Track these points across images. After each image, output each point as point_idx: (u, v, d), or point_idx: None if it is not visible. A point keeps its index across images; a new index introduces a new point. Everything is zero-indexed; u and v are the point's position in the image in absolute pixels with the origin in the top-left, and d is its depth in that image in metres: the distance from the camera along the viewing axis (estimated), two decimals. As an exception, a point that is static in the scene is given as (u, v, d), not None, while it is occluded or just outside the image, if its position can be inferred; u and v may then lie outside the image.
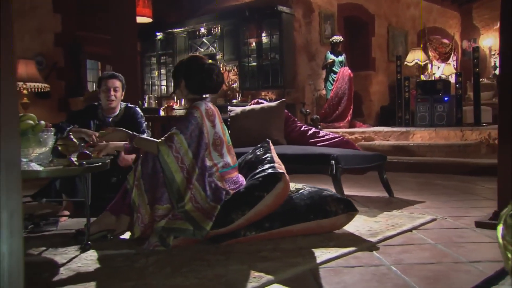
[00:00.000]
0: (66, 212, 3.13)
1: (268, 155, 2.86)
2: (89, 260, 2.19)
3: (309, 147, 3.99)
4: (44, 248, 2.41)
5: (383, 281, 1.84)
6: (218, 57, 8.95)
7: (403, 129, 7.31)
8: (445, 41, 12.86)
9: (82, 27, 6.74)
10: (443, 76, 11.20)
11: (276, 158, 2.84)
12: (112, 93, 3.37)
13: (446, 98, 7.47)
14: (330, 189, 2.88)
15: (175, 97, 2.97)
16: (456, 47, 13.36)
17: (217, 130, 2.57)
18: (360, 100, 9.56)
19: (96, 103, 3.55)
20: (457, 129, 6.84)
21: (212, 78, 2.62)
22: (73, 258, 2.23)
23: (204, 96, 2.68)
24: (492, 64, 12.99)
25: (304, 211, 2.54)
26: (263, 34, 8.32)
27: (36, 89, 5.85)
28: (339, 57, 8.11)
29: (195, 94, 2.66)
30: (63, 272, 2.02)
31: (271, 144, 3.01)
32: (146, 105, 9.10)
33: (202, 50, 9.11)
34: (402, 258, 2.13)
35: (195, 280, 1.87)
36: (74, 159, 2.43)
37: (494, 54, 13.02)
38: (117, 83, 3.41)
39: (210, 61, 2.80)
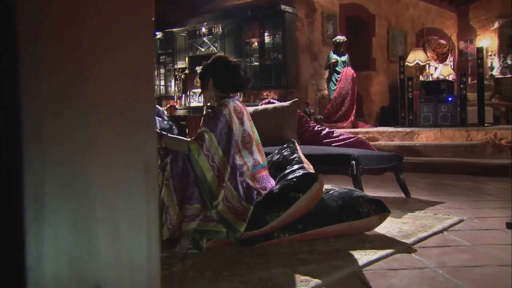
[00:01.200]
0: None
1: (295, 155, 2.81)
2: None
3: (326, 148, 3.96)
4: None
5: (434, 285, 1.80)
6: (219, 56, 8.86)
7: (408, 129, 7.30)
8: (443, 41, 12.92)
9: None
10: (441, 77, 11.24)
11: (303, 158, 2.80)
12: None
13: (450, 99, 7.48)
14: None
15: (203, 98, 2.93)
16: (453, 47, 13.42)
17: (246, 128, 2.52)
18: (360, 100, 9.54)
19: None
20: (462, 129, 6.84)
21: (239, 74, 2.58)
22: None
23: (232, 94, 2.63)
24: (489, 65, 13.06)
25: (336, 212, 2.49)
26: (266, 34, 8.26)
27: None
28: (342, 57, 8.09)
29: (223, 93, 2.60)
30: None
31: (297, 144, 2.97)
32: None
33: (203, 49, 9.03)
34: (444, 261, 2.09)
35: (240, 285, 1.81)
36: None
37: (490, 55, 13.10)
38: None
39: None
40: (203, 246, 2.29)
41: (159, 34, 9.49)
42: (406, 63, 9.42)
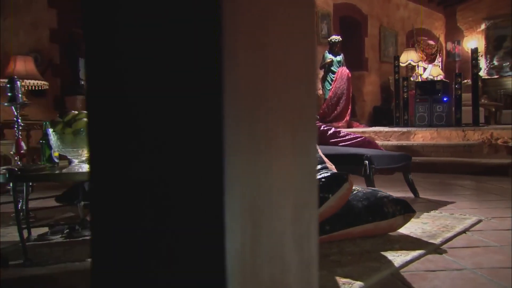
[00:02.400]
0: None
1: (317, 155, 2.77)
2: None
3: (338, 148, 3.93)
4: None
5: (479, 287, 1.77)
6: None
7: (404, 129, 7.33)
8: (431, 42, 13.05)
9: (79, 23, 6.49)
10: (431, 77, 11.35)
11: (325, 158, 2.76)
12: None
13: (445, 99, 7.54)
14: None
15: None
16: (441, 48, 13.57)
17: None
18: (353, 100, 9.55)
19: None
20: (459, 129, 6.90)
21: None
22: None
23: None
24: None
25: (362, 212, 2.46)
26: (261, 33, 8.22)
27: (31, 86, 5.60)
28: (337, 56, 8.09)
29: None
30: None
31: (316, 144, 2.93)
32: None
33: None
34: (480, 262, 2.07)
35: None
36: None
37: (478, 56, 13.27)
38: None
39: None
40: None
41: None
42: (402, 63, 9.50)
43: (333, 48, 8.07)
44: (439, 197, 3.92)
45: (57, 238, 2.61)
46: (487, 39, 13.28)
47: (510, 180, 5.01)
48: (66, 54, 6.50)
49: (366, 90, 10.00)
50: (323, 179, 2.38)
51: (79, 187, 3.07)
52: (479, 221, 2.89)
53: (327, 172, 2.45)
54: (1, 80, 5.08)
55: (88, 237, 2.61)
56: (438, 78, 10.94)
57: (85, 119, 2.14)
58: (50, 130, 2.13)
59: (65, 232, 2.65)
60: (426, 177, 5.37)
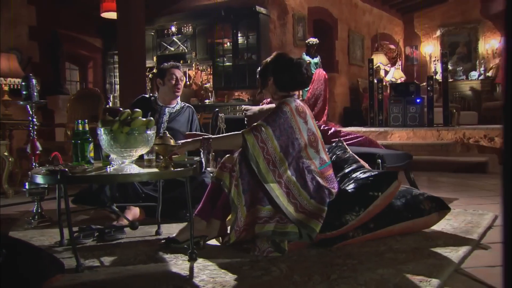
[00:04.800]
0: (124, 220, 2.84)
1: (349, 154, 2.81)
2: (214, 271, 2.00)
3: (350, 147, 3.97)
4: (141, 257, 2.17)
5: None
6: (188, 56, 8.70)
7: (381, 129, 7.55)
8: (392, 46, 13.52)
9: (59, 21, 6.20)
10: (393, 80, 11.74)
11: (357, 157, 2.80)
12: (180, 82, 3.26)
13: (418, 100, 7.81)
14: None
15: (263, 97, 2.81)
16: (401, 52, 14.08)
17: (310, 126, 2.46)
18: (326, 101, 9.73)
19: (146, 95, 3.47)
20: (433, 129, 7.19)
21: (302, 72, 2.52)
22: (193, 268, 2.03)
23: (291, 93, 2.57)
24: (433, 69, 13.79)
25: (402, 210, 2.51)
26: (239, 34, 8.20)
27: (12, 85, 5.32)
28: (315, 58, 8.19)
29: (283, 91, 2.54)
30: (206, 286, 1.83)
31: (343, 142, 2.97)
32: (110, 104, 8.61)
33: (172, 48, 8.80)
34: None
35: (362, 287, 1.77)
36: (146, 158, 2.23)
37: (434, 61, 13.82)
38: (181, 73, 3.31)
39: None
40: (285, 249, 2.22)
41: (123, 32, 9.11)
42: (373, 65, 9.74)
43: (310, 50, 8.17)
44: (439, 194, 4.02)
45: (90, 242, 2.49)
46: (442, 45, 13.87)
47: (491, 177, 5.28)
48: (47, 53, 6.21)
49: (337, 91, 10.20)
50: (371, 178, 2.41)
51: (102, 189, 2.95)
52: (496, 217, 3.02)
53: (370, 171, 2.49)
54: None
55: (117, 241, 2.51)
56: (401, 81, 11.35)
57: (141, 118, 2.06)
58: (102, 130, 2.03)
59: (95, 235, 2.54)
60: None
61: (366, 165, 2.70)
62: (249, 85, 8.16)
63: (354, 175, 2.56)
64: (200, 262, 2.12)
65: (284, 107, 2.41)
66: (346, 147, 2.89)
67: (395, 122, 7.90)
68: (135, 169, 2.07)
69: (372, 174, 2.44)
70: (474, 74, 12.57)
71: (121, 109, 2.24)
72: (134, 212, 2.93)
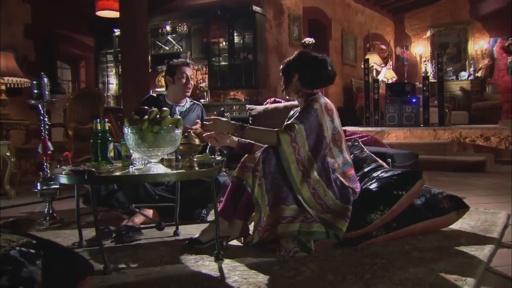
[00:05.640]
0: (137, 220, 2.80)
1: (366, 153, 2.81)
2: (245, 271, 1.98)
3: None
4: (166, 259, 2.14)
5: None
6: (183, 55, 8.63)
7: (378, 128, 7.59)
8: (383, 47, 13.60)
9: (53, 19, 6.08)
10: (385, 80, 11.82)
11: (375, 156, 2.80)
12: (190, 80, 3.21)
13: (414, 100, 7.87)
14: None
15: (286, 95, 2.77)
16: (392, 53, 14.18)
17: (336, 125, 2.44)
18: (320, 101, 9.74)
19: (154, 95, 3.42)
20: (430, 128, 7.25)
21: (327, 68, 2.50)
22: (222, 269, 2.00)
23: (316, 90, 2.55)
24: (423, 69, 13.91)
25: (422, 209, 2.52)
26: (235, 34, 8.17)
27: (12, 84, 5.22)
28: (311, 58, 8.20)
29: (308, 88, 2.51)
30: (241, 287, 1.80)
31: (360, 142, 2.96)
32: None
33: (167, 48, 8.72)
34: (551, 252, 2.19)
35: (397, 287, 1.76)
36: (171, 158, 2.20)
37: (425, 61, 13.96)
38: (191, 71, 3.25)
39: None
40: (312, 249, 2.21)
41: (117, 31, 9.01)
42: (362, 65, 9.79)
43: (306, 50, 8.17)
44: (445, 194, 4.07)
45: (108, 243, 2.44)
46: (432, 45, 13.99)
47: (490, 176, 5.34)
48: (43, 51, 6.09)
49: (331, 91, 10.22)
50: (394, 177, 2.41)
51: (113, 190, 2.90)
52: (509, 215, 3.04)
53: (392, 170, 2.49)
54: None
55: (136, 242, 2.47)
56: (393, 80, 11.44)
57: (170, 117, 2.03)
58: (129, 129, 1.99)
59: (113, 236, 2.49)
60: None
61: (384, 164, 2.70)
62: (245, 85, 8.12)
63: (375, 174, 2.56)
64: (227, 263, 2.09)
65: (315, 104, 2.38)
66: (363, 146, 2.89)
67: (391, 121, 7.94)
68: (161, 169, 2.04)
69: (396, 173, 2.44)
70: (464, 75, 12.70)
71: (146, 107, 2.18)
72: (147, 213, 2.89)
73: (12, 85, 5.20)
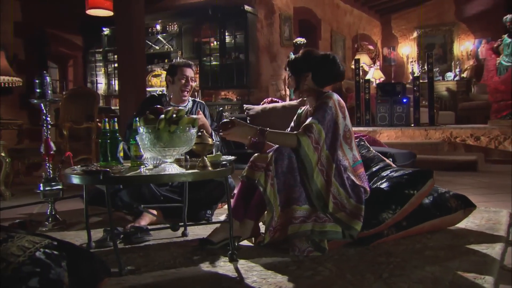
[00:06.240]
0: (143, 222, 2.76)
1: (373, 153, 2.82)
2: (262, 271, 1.97)
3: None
4: (178, 260, 2.11)
5: None
6: (173, 55, 8.59)
7: (370, 128, 7.63)
8: (371, 47, 13.71)
9: (42, 18, 5.96)
10: (373, 80, 11.91)
11: (381, 156, 2.81)
12: (190, 82, 3.17)
13: (404, 100, 7.93)
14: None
15: (298, 96, 2.73)
16: (379, 53, 14.30)
17: (347, 122, 2.44)
18: (310, 101, 9.77)
19: (155, 94, 3.37)
20: (421, 128, 7.32)
21: (339, 66, 2.50)
22: (239, 269, 1.99)
23: (326, 88, 2.54)
24: (410, 70, 14.06)
25: (430, 208, 2.53)
26: (226, 33, 8.15)
27: (2, 83, 5.11)
28: (302, 58, 8.22)
29: (320, 87, 2.51)
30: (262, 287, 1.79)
31: (365, 141, 2.97)
32: (94, 104, 8.40)
33: (157, 47, 8.67)
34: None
35: (418, 285, 1.77)
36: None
37: (411, 61, 14.10)
38: (192, 73, 3.21)
39: None
40: (326, 248, 2.20)
41: (107, 30, 8.92)
42: (351, 66, 9.85)
43: (298, 50, 8.16)
44: (442, 193, 4.12)
45: (117, 244, 2.40)
46: (419, 46, 14.15)
47: (483, 175, 5.42)
48: (33, 50, 5.98)
49: (321, 91, 10.26)
50: (405, 176, 2.42)
51: (116, 191, 2.86)
52: (510, 214, 3.08)
53: (402, 169, 2.50)
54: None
55: (146, 243, 2.44)
56: (380, 80, 11.53)
57: (186, 116, 2.00)
58: (144, 128, 1.96)
59: (121, 237, 2.46)
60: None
61: (392, 164, 2.71)
62: (237, 85, 8.11)
63: (384, 174, 2.57)
64: (242, 263, 2.08)
65: (329, 101, 2.36)
66: (369, 145, 2.90)
67: (382, 121, 8.00)
68: (176, 168, 2.01)
69: (406, 172, 2.45)
70: (450, 75, 12.86)
71: (158, 107, 2.15)
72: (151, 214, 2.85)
73: (3, 84, 5.10)
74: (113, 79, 9.10)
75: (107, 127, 2.33)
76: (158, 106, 2.18)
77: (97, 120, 5.11)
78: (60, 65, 9.19)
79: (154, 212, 2.87)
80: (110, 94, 8.99)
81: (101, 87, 9.11)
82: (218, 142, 3.12)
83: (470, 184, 4.74)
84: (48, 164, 2.86)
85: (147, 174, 1.94)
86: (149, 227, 2.63)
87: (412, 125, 7.76)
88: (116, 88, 9.09)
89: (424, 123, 7.90)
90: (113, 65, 9.09)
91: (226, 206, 3.42)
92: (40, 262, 1.33)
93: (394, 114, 7.96)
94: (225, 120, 2.30)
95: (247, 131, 2.33)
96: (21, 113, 5.63)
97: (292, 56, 8.39)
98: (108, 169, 1.91)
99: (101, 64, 9.16)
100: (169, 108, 1.98)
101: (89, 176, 1.94)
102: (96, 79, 9.27)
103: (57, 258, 1.41)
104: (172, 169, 2.00)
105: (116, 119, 2.33)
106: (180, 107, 3.26)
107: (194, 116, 2.05)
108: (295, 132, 2.32)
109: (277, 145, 2.32)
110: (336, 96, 2.41)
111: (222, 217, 3.09)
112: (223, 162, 2.18)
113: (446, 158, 6.25)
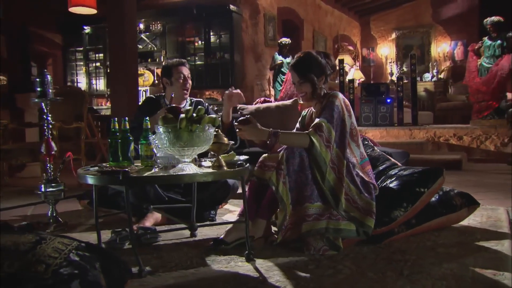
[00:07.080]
0: (148, 223, 2.71)
1: (378, 152, 2.85)
2: (282, 271, 1.96)
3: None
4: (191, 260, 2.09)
5: None
6: (156, 54, 8.50)
7: (355, 129, 7.70)
8: (351, 48, 13.86)
9: (23, 15, 5.78)
10: (354, 80, 12.04)
11: (386, 155, 2.84)
12: (188, 80, 3.13)
13: (388, 100, 8.04)
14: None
15: (310, 100, 2.66)
16: (358, 54, 14.47)
17: (353, 120, 2.46)
18: (293, 101, 9.81)
19: (153, 96, 3.30)
20: (405, 128, 7.44)
21: (334, 63, 2.56)
22: (259, 269, 1.98)
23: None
24: (389, 70, 14.28)
25: (437, 206, 2.57)
26: (211, 33, 8.10)
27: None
28: (287, 58, 8.24)
29: (324, 86, 2.53)
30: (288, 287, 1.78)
31: (369, 140, 3.00)
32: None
33: (140, 46, 8.51)
34: None
35: (439, 282, 1.80)
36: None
37: (390, 62, 14.31)
38: (188, 70, 3.17)
39: None
40: (341, 246, 2.21)
41: (87, 29, 8.75)
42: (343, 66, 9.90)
43: (283, 50, 8.21)
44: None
45: (127, 245, 2.36)
46: (397, 47, 14.38)
47: (468, 174, 5.54)
48: (15, 48, 5.81)
49: (303, 92, 10.32)
50: (415, 174, 2.44)
51: (119, 193, 2.81)
52: (507, 211, 3.15)
53: (411, 168, 2.53)
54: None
55: (160, 243, 2.40)
56: (360, 81, 11.66)
57: (207, 116, 1.98)
58: (163, 128, 1.93)
59: (129, 238, 2.41)
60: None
61: (398, 163, 2.74)
62: (222, 85, 8.07)
63: (392, 172, 2.59)
64: (260, 263, 2.06)
65: (335, 100, 2.38)
66: (373, 145, 2.92)
67: (366, 121, 8.08)
68: (194, 168, 1.99)
69: (416, 170, 2.49)
70: (427, 76, 13.11)
71: (174, 105, 2.12)
72: (156, 215, 2.80)
73: (-13, 82, 4.95)
74: (94, 78, 8.93)
75: (116, 127, 2.29)
76: (175, 105, 2.15)
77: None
78: (38, 64, 8.95)
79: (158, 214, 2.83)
80: (91, 94, 8.81)
81: (82, 86, 8.92)
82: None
83: (457, 183, 4.84)
84: (49, 165, 2.79)
85: (168, 174, 1.90)
86: (165, 228, 2.59)
87: (396, 124, 7.89)
88: (98, 87, 8.94)
89: (407, 123, 8.03)
90: (94, 64, 8.92)
91: (226, 207, 3.40)
92: (76, 264, 1.29)
93: (378, 114, 8.05)
94: (242, 118, 2.29)
95: (260, 133, 2.33)
96: (3, 112, 5.47)
97: (287, 60, 8.33)
98: (127, 169, 1.86)
99: (81, 63, 8.98)
100: (189, 107, 1.95)
101: (108, 176, 1.89)
102: (77, 78, 9.08)
103: (90, 260, 1.38)
104: (191, 169, 1.97)
105: (127, 118, 2.28)
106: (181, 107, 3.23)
107: (213, 115, 2.02)
108: (305, 132, 2.32)
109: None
110: (341, 95, 2.43)
111: (225, 217, 3.07)
112: (239, 162, 2.17)
113: (432, 157, 6.36)
